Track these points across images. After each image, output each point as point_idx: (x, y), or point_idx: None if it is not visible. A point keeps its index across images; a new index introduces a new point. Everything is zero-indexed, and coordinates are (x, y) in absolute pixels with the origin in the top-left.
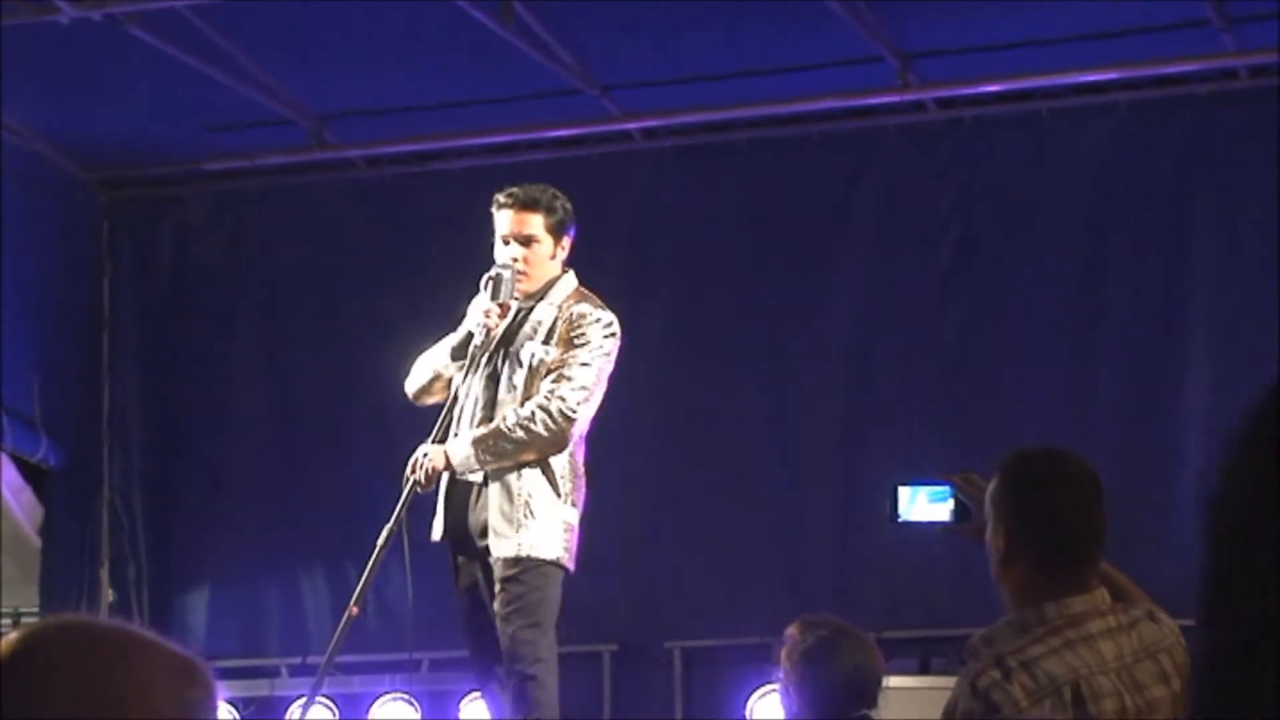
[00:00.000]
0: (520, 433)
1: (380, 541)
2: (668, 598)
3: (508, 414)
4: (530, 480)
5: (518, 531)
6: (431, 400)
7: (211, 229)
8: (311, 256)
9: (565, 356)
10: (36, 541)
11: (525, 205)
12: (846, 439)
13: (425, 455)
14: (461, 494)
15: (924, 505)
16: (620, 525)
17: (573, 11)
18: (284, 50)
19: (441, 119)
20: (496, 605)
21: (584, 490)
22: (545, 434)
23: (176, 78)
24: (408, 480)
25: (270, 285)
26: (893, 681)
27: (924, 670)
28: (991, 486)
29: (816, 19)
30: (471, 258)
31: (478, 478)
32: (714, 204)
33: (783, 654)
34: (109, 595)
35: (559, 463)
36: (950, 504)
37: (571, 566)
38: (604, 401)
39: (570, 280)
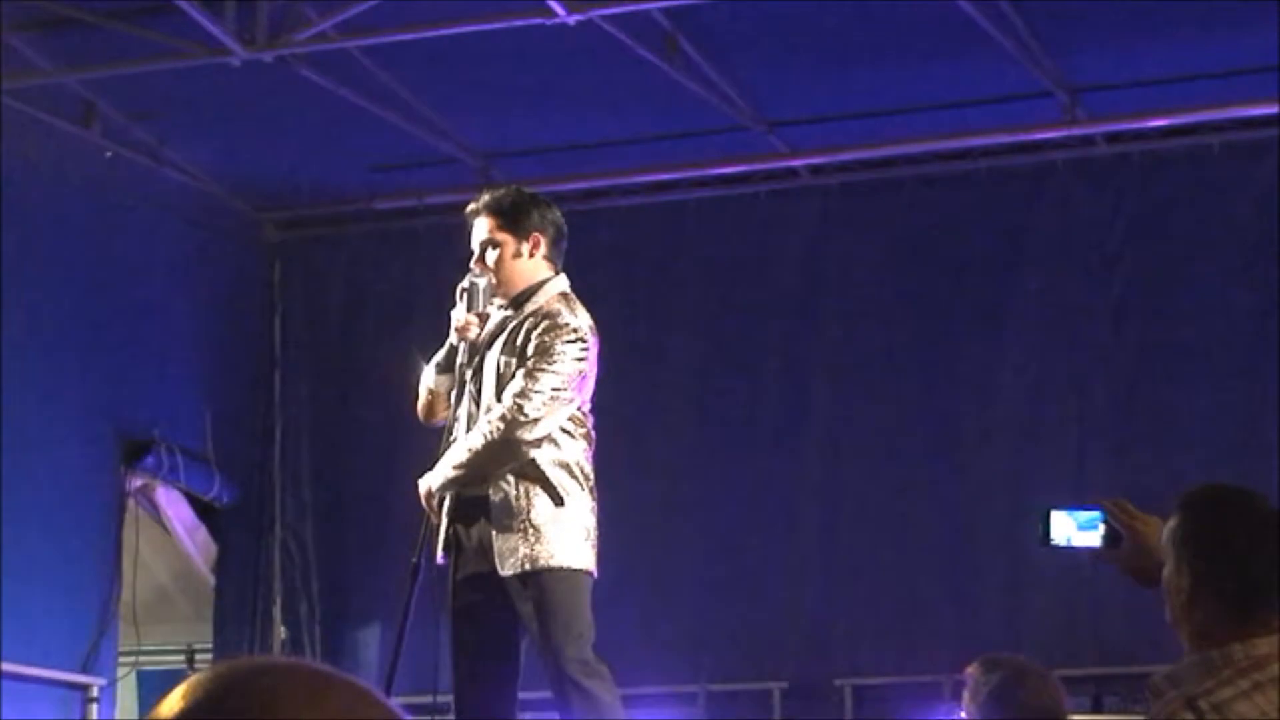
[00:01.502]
0: (480, 442)
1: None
2: (838, 634)
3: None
4: (527, 492)
5: (522, 546)
6: (437, 420)
7: (381, 267)
8: None
9: (529, 362)
10: (210, 578)
11: (474, 213)
12: (1018, 473)
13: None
14: (468, 511)
15: (1075, 530)
16: (789, 561)
17: (738, 48)
18: (451, 89)
19: (607, 156)
20: (523, 624)
21: (592, 497)
22: (501, 442)
23: (346, 117)
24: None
25: (439, 322)
26: None
27: (1097, 708)
28: (1172, 524)
29: (984, 54)
30: (638, 291)
31: (492, 493)
32: (881, 240)
33: (966, 694)
34: (282, 632)
35: (555, 472)
36: (1101, 530)
37: (592, 570)
38: (772, 435)
39: (557, 284)
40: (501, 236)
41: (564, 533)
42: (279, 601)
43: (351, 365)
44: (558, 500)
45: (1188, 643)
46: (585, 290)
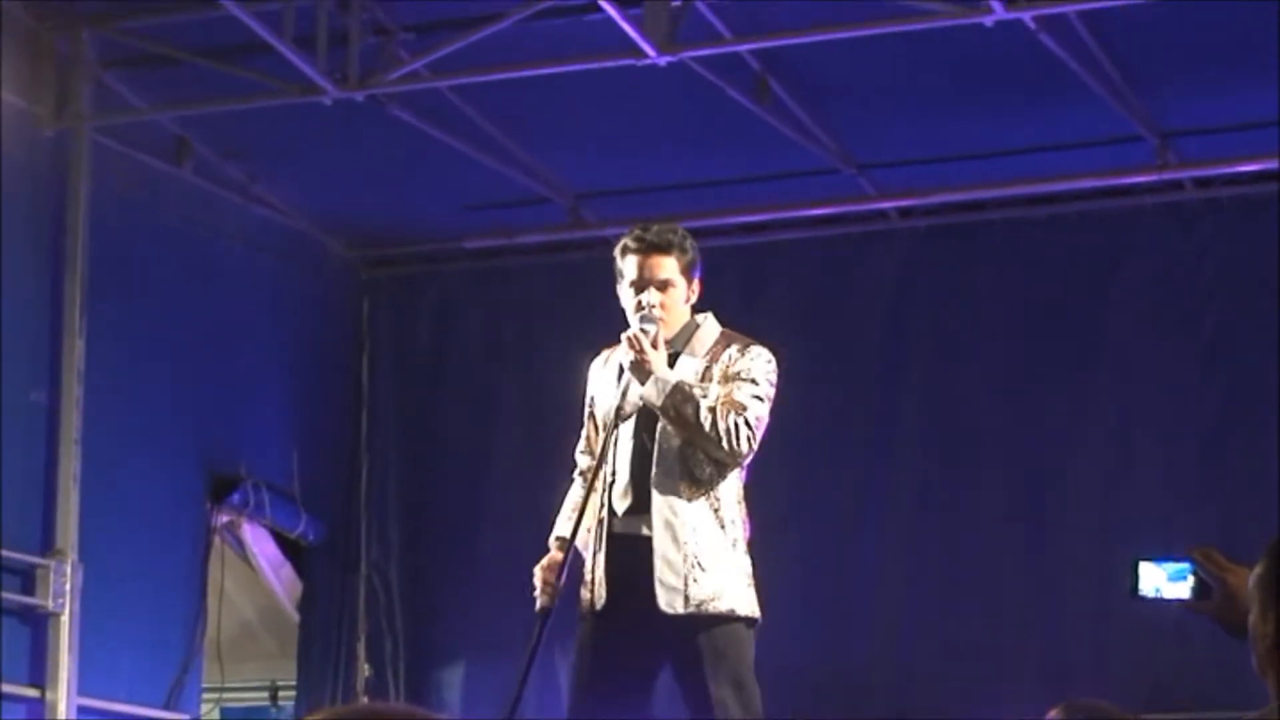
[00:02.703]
0: (709, 417)
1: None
2: (923, 674)
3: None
4: (698, 525)
5: (688, 585)
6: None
7: (471, 306)
8: (570, 333)
9: (734, 388)
10: (295, 616)
11: (658, 248)
12: (1106, 517)
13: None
14: (621, 545)
15: (1164, 581)
16: (877, 602)
17: (828, 91)
18: (542, 129)
19: (697, 197)
20: (682, 672)
21: (749, 530)
22: (730, 432)
23: (436, 156)
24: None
25: (529, 362)
26: None
27: None
28: (1259, 571)
29: (1074, 97)
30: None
31: (657, 524)
32: (970, 283)
33: None
34: (365, 670)
35: (730, 510)
36: (1190, 581)
37: (757, 615)
38: (860, 478)
39: (713, 325)
40: (680, 278)
41: (734, 574)
42: (363, 639)
43: (439, 404)
44: (731, 540)
45: (1273, 688)
46: (729, 326)
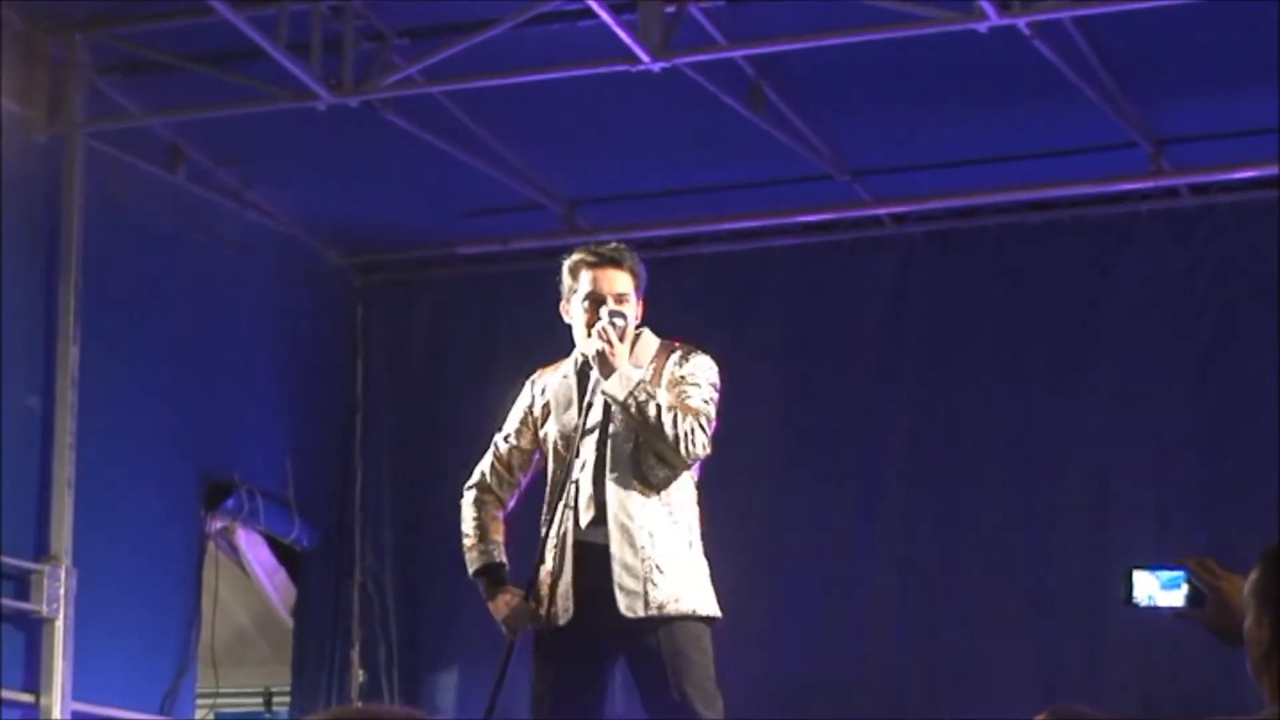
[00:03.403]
0: (670, 417)
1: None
2: (914, 679)
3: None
4: (654, 529)
5: (650, 589)
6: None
7: (465, 312)
8: (563, 340)
9: (682, 392)
10: (289, 621)
11: (615, 263)
12: (1098, 523)
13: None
14: (585, 563)
15: (1158, 589)
16: (870, 608)
17: (823, 97)
18: (537, 135)
19: (691, 204)
20: (642, 675)
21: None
22: (687, 436)
23: (430, 163)
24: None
25: (522, 368)
26: None
27: None
28: (1254, 577)
29: (1068, 104)
30: (719, 338)
31: (614, 531)
32: (965, 290)
33: None
34: (360, 675)
35: (686, 513)
36: (1184, 589)
37: (718, 614)
38: (853, 485)
39: (650, 337)
40: (633, 296)
41: (692, 574)
42: (357, 645)
43: (433, 410)
44: (687, 542)
45: (1267, 694)
46: (666, 337)
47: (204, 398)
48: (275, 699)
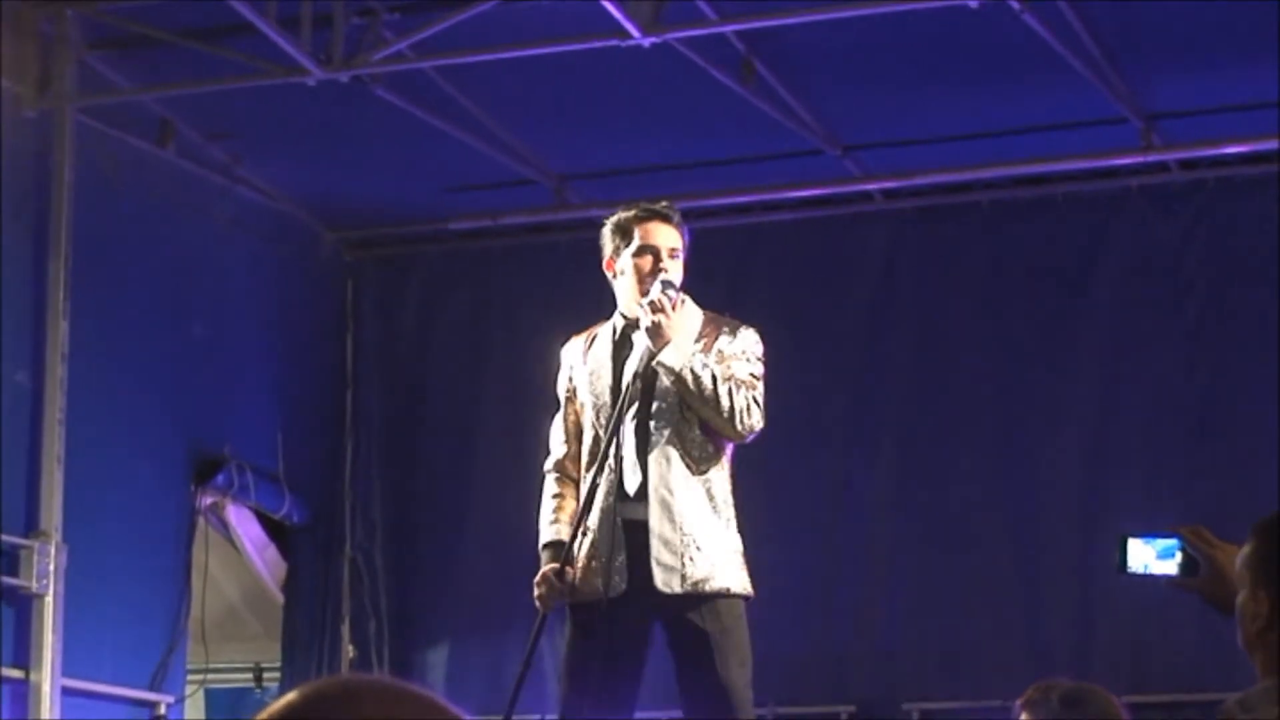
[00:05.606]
0: (726, 389)
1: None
2: (906, 658)
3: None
4: (693, 505)
5: (685, 565)
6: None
7: (454, 288)
8: (554, 315)
9: (732, 365)
10: (279, 597)
11: (666, 219)
12: (1087, 500)
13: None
14: (630, 535)
15: (1152, 558)
16: (858, 585)
17: (813, 72)
18: (527, 111)
19: (681, 179)
20: (684, 653)
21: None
22: (743, 410)
23: (421, 138)
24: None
25: (513, 343)
26: None
27: None
28: (1247, 550)
29: (1059, 79)
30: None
31: (654, 506)
32: (955, 265)
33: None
34: (350, 651)
35: (721, 488)
36: (1178, 558)
37: (751, 592)
38: (842, 459)
39: (694, 307)
40: (681, 256)
41: (729, 552)
42: (348, 621)
43: (423, 385)
44: (725, 519)
45: (1260, 669)
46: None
47: (194, 373)
48: (265, 674)
